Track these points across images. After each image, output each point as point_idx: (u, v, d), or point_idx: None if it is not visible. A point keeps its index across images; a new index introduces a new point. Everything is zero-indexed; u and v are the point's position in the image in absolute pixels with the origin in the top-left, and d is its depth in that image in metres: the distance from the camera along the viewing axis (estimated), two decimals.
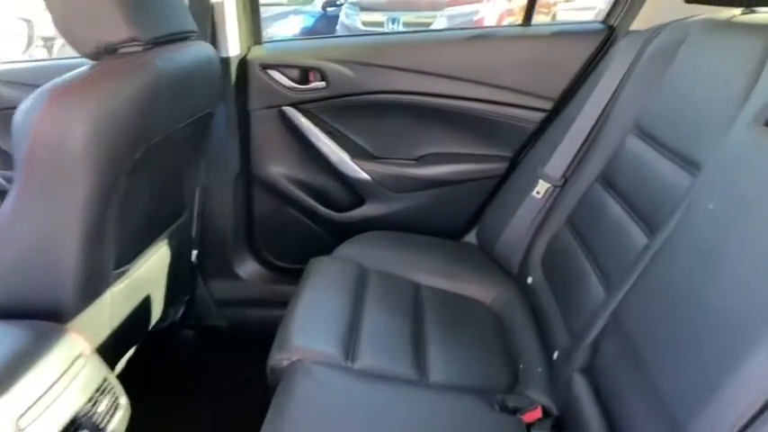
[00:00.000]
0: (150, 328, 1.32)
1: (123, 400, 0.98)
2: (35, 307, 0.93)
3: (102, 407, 0.93)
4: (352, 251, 1.35)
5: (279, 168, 1.51)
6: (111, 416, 0.95)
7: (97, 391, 0.93)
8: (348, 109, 1.46)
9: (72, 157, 0.84)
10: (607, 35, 1.32)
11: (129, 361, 1.27)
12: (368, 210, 1.51)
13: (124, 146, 0.90)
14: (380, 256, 1.34)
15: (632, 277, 0.86)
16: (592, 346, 0.89)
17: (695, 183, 0.82)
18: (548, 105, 1.36)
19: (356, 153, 1.48)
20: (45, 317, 0.92)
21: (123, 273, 1.10)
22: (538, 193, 1.28)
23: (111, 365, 1.15)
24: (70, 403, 0.86)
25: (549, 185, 1.26)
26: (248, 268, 1.61)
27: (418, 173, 1.45)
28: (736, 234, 0.67)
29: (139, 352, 1.32)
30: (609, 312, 0.88)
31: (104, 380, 0.95)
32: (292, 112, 1.44)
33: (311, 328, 1.06)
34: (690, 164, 0.89)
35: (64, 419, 0.85)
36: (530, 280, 1.25)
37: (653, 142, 1.02)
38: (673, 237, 0.78)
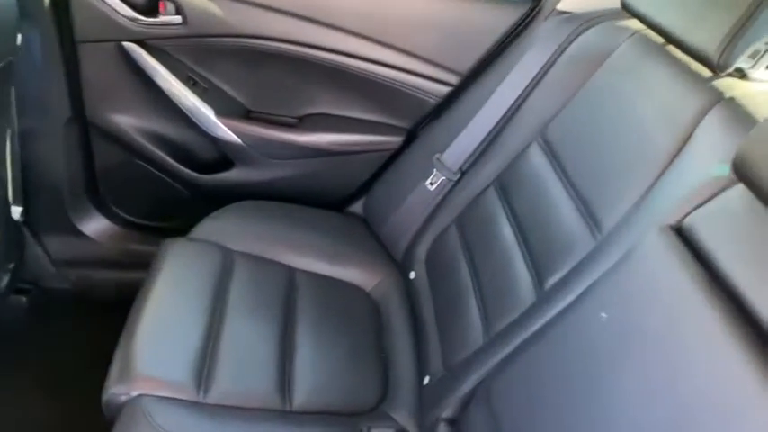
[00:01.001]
0: None
1: None
2: None
3: None
4: (216, 227, 1.13)
5: (123, 117, 1.19)
6: None
7: None
8: (214, 52, 1.14)
9: None
10: (531, 8, 1.10)
11: None
12: (237, 174, 1.26)
13: None
14: (250, 235, 1.14)
15: (513, 342, 0.77)
16: (461, 401, 0.83)
17: (592, 257, 0.72)
18: (454, 80, 1.16)
19: (224, 107, 1.19)
20: None
21: None
22: (431, 184, 1.13)
23: None
24: None
25: (444, 178, 1.11)
26: (94, 225, 1.34)
27: (299, 139, 1.22)
28: (626, 356, 0.59)
29: None
30: (483, 371, 0.81)
31: None
32: (136, 51, 1.10)
33: (159, 347, 0.88)
34: (591, 218, 0.78)
35: None
36: (412, 275, 1.15)
37: (556, 165, 0.89)
38: (560, 327, 0.69)
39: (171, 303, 0.96)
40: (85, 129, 1.21)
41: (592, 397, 0.60)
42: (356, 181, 1.32)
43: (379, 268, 1.19)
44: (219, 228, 1.14)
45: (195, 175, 1.26)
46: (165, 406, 0.81)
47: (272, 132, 1.20)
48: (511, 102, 1.03)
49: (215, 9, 1.07)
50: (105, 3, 1.05)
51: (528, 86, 1.01)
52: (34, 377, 1.23)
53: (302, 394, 0.91)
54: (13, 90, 1.06)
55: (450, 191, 1.12)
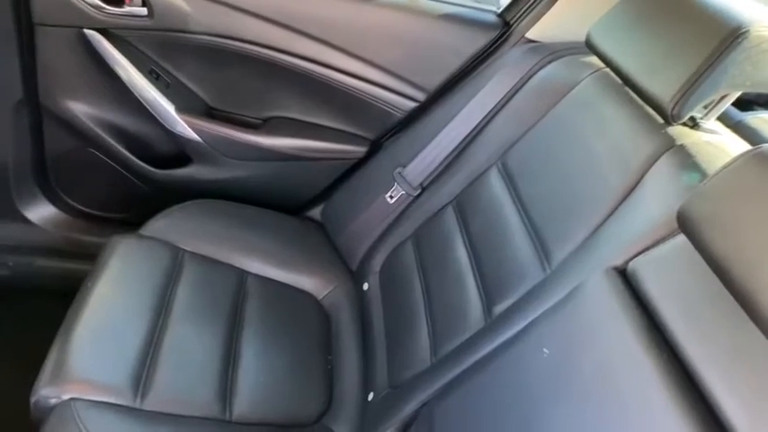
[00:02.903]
0: None
1: None
2: None
3: None
4: (168, 226, 1.07)
5: (79, 105, 1.11)
6: None
7: None
8: (178, 47, 1.08)
9: None
10: (501, 33, 1.09)
11: None
12: (195, 171, 1.20)
13: None
14: (203, 235, 1.09)
15: (459, 366, 0.76)
16: (404, 422, 0.81)
17: (541, 289, 0.71)
18: (420, 96, 1.13)
19: (186, 103, 1.13)
20: None
21: None
22: (391, 197, 1.10)
23: None
24: None
25: (404, 192, 1.09)
26: (41, 211, 1.25)
27: (261, 141, 1.17)
28: (563, 393, 0.58)
29: None
30: (427, 393, 0.79)
31: None
32: (97, 38, 1.03)
33: (96, 349, 0.82)
34: (543, 249, 0.77)
35: None
36: (366, 286, 1.12)
37: (513, 191, 0.88)
38: (504, 357, 0.67)
39: (114, 302, 0.90)
40: (38, 113, 1.13)
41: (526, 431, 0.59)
42: (316, 187, 1.28)
43: (332, 276, 1.16)
44: (171, 225, 1.08)
45: (151, 169, 1.20)
46: (98, 411, 0.76)
47: (234, 132, 1.15)
48: (475, 123, 1.01)
49: (183, 5, 1.02)
50: None
51: (492, 110, 0.99)
52: None
53: (243, 404, 0.87)
54: None
55: (409, 205, 1.10)
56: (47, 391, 0.77)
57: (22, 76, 1.05)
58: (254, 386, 0.90)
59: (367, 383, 0.96)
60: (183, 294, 0.96)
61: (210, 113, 1.19)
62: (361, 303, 1.12)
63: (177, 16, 1.03)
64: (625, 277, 0.58)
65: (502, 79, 0.99)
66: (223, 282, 1.03)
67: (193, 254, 1.05)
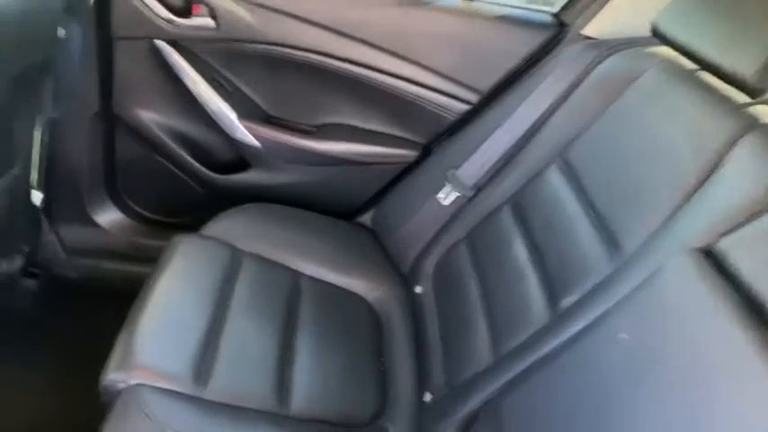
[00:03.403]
0: None
1: None
2: None
3: None
4: (227, 227, 1.10)
5: (148, 113, 1.17)
6: None
7: None
8: (241, 56, 1.13)
9: None
10: (556, 33, 1.07)
11: None
12: (253, 176, 1.23)
13: None
14: (261, 236, 1.11)
15: (523, 362, 0.72)
16: (464, 420, 0.78)
17: (612, 279, 0.67)
18: (473, 98, 1.13)
19: (246, 111, 1.17)
20: None
21: None
22: (444, 199, 1.09)
23: None
24: None
25: (458, 194, 1.07)
26: (108, 216, 1.31)
27: (316, 147, 1.19)
28: (645, 382, 0.54)
29: None
30: (490, 391, 0.75)
31: None
32: (167, 50, 1.08)
33: (161, 338, 0.85)
34: (610, 240, 0.74)
35: None
36: (418, 289, 1.11)
37: (576, 186, 0.85)
38: (575, 349, 0.64)
39: (176, 296, 0.93)
40: (111, 123, 1.19)
41: (605, 423, 0.55)
42: (367, 192, 1.28)
43: (383, 280, 1.15)
44: (231, 227, 1.11)
45: (212, 174, 1.24)
46: (162, 396, 0.78)
47: (290, 138, 1.17)
48: (531, 122, 0.99)
49: (246, 15, 1.06)
50: (143, 2, 1.04)
51: (550, 107, 0.97)
52: (35, 360, 1.19)
53: (300, 400, 0.87)
54: (48, 81, 1.04)
55: (463, 207, 1.08)
56: (115, 376, 0.79)
57: (100, 88, 1.12)
58: (310, 384, 0.89)
59: (422, 384, 0.94)
60: (241, 292, 0.98)
61: (268, 121, 1.23)
62: (413, 306, 1.10)
63: (241, 27, 1.07)
64: (711, 258, 0.54)
65: (559, 76, 0.97)
66: (279, 282, 1.05)
67: (251, 254, 1.06)
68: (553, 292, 0.79)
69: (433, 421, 0.83)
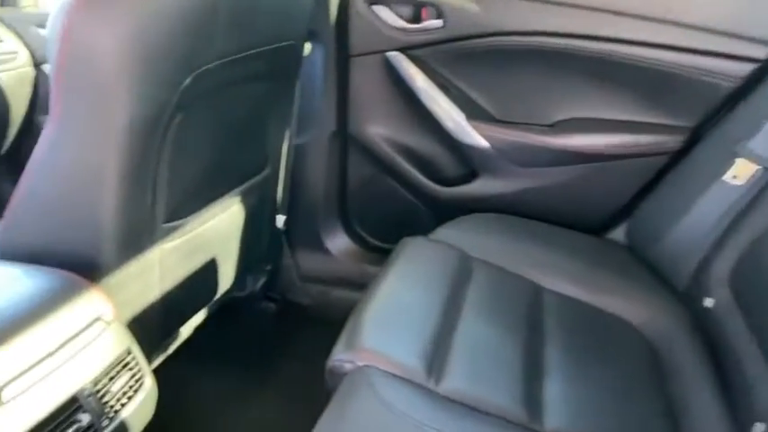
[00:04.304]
0: (219, 296, 1.10)
1: (148, 382, 0.75)
2: (64, 255, 0.74)
3: (118, 385, 0.71)
4: (455, 233, 1.01)
5: (378, 128, 1.19)
6: (129, 398, 0.72)
7: (115, 365, 0.71)
8: (467, 57, 1.09)
9: (104, 72, 0.66)
10: None
11: (198, 329, 1.08)
12: (481, 186, 1.14)
13: (166, 68, 0.69)
14: (492, 244, 0.99)
15: None
16: None
17: None
18: (762, 53, 0.88)
19: (473, 115, 1.11)
20: (74, 267, 0.72)
21: (177, 228, 0.88)
22: (735, 177, 0.82)
23: (163, 332, 0.96)
24: (73, 377, 0.65)
25: (758, 167, 0.80)
26: (338, 242, 1.33)
27: (554, 142, 1.05)
28: None
29: (212, 321, 1.12)
30: None
31: (127, 352, 0.73)
32: (398, 59, 1.11)
33: (389, 327, 0.78)
34: None
35: (61, 397, 0.63)
36: (708, 302, 0.83)
37: None
38: None
39: (404, 291, 0.86)
40: (345, 143, 1.25)
41: None
42: (617, 198, 1.07)
43: (650, 300, 0.93)
44: (459, 234, 1.02)
45: (437, 187, 1.18)
46: (392, 382, 0.70)
47: (524, 134, 1.06)
48: None
49: (473, 6, 1.04)
50: (378, 16, 1.09)
51: None
52: (261, 380, 1.20)
53: (557, 417, 0.70)
54: (293, 103, 1.15)
55: (765, 187, 0.80)
56: (342, 356, 0.74)
57: (337, 107, 1.19)
58: (570, 408, 0.72)
59: (742, 411, 0.64)
60: (474, 296, 0.87)
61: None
62: (703, 326, 0.82)
63: (467, 21, 1.04)
64: None
65: None
66: (516, 291, 0.92)
67: (482, 261, 0.96)
68: None
69: None
